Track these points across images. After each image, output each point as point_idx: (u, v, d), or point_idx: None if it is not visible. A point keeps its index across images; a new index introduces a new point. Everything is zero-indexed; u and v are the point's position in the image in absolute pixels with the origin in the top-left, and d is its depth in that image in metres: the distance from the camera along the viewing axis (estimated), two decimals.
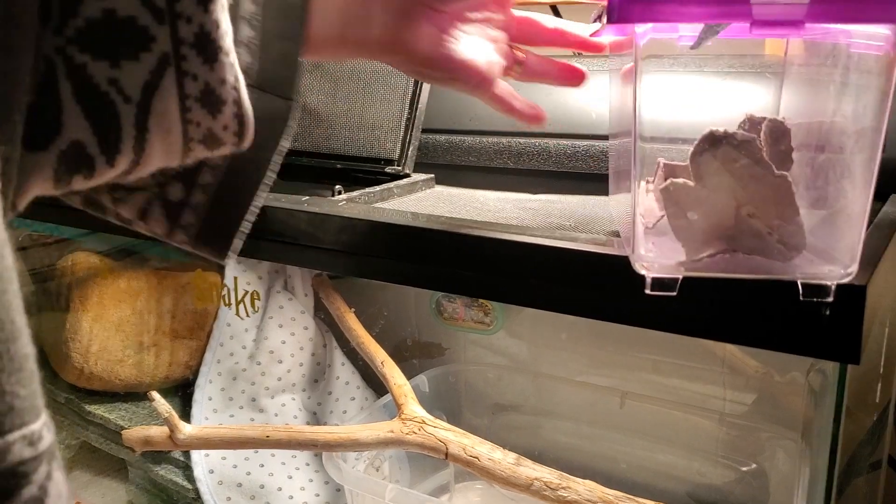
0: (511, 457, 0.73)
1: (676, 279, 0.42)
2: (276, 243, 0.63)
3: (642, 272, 0.42)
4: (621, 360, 0.91)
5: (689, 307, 0.43)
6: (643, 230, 0.44)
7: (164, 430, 0.74)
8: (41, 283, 1.23)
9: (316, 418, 0.95)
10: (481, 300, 0.95)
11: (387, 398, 0.86)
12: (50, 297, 0.96)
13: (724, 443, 0.83)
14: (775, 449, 0.79)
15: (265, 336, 0.95)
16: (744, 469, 0.82)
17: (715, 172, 0.42)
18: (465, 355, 1.02)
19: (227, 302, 0.85)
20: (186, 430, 0.73)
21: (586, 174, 0.71)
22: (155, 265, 0.99)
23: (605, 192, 0.69)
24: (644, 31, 0.40)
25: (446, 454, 0.73)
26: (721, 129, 0.42)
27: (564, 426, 0.92)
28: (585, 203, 0.67)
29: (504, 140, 0.74)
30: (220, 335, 0.94)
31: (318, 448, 0.73)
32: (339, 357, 0.97)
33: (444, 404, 0.92)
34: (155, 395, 0.73)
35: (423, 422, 0.74)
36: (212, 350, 0.94)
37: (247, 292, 0.86)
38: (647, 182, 0.51)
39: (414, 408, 0.76)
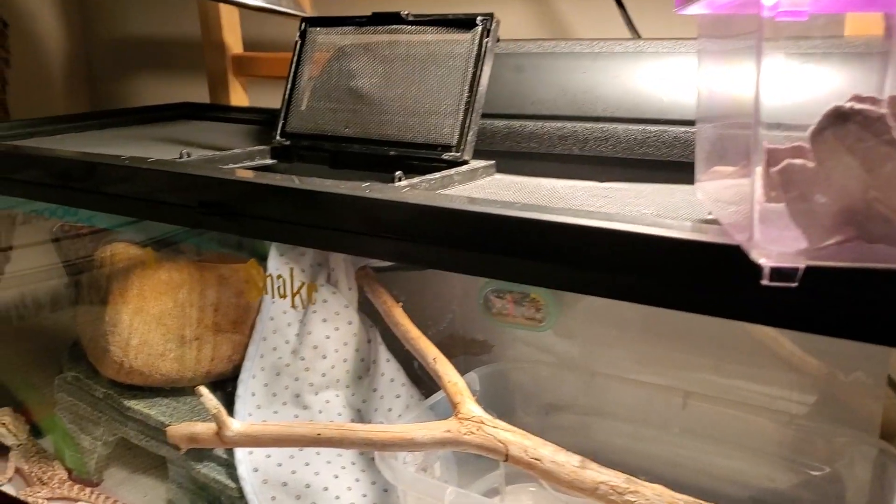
0: (575, 459, 0.69)
1: (797, 269, 0.38)
2: (335, 232, 0.60)
3: (761, 261, 0.38)
4: (678, 359, 0.87)
5: (807, 300, 0.39)
6: (760, 216, 0.40)
7: (211, 426, 0.71)
8: (77, 274, 1.21)
9: (360, 416, 0.92)
10: (533, 295, 0.92)
11: (434, 398, 0.82)
12: (88, 290, 0.93)
13: (794, 446, 0.79)
14: (852, 454, 0.74)
15: (308, 331, 0.91)
16: (816, 474, 0.77)
17: (838, 152, 0.39)
18: (511, 353, 0.98)
19: (282, 293, 0.82)
20: (234, 426, 0.70)
21: (658, 161, 0.67)
22: (196, 257, 0.96)
23: (679, 181, 0.65)
24: (773, 7, 0.37)
25: (507, 456, 0.69)
26: (848, 105, 0.38)
27: (621, 427, 0.88)
28: (661, 191, 0.63)
29: (568, 125, 0.71)
30: (264, 329, 0.91)
31: (371, 447, 0.70)
32: (384, 353, 0.94)
33: (496, 403, 0.88)
34: (203, 389, 0.70)
35: (482, 422, 0.70)
36: (255, 344, 0.91)
37: (303, 283, 0.82)
38: (743, 168, 0.48)
39: (471, 407, 0.73)
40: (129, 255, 0.91)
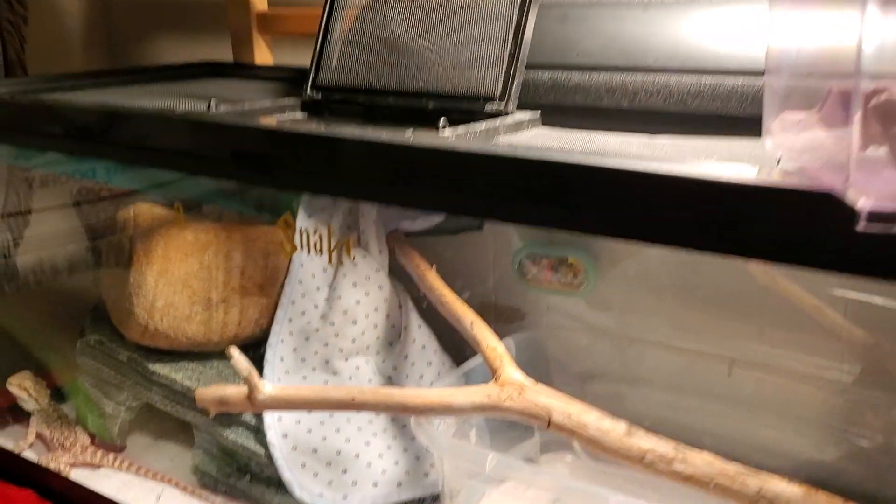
0: (621, 426, 0.66)
1: None
2: (376, 183, 0.57)
3: (858, 203, 0.35)
4: (719, 326, 0.84)
5: None
6: (857, 157, 0.37)
7: (242, 389, 0.69)
8: (98, 237, 1.18)
9: (391, 383, 0.89)
10: (571, 260, 0.88)
11: (469, 365, 0.80)
12: (111, 251, 0.91)
13: (843, 416, 0.76)
14: None
15: (338, 295, 0.89)
16: (866, 445, 0.74)
17: None
18: (545, 321, 0.95)
19: (318, 250, 0.79)
20: (266, 389, 0.68)
21: (713, 115, 0.64)
22: (220, 218, 0.93)
23: (738, 135, 0.62)
24: None
25: (549, 422, 0.67)
26: None
27: (660, 397, 0.85)
28: (720, 145, 0.59)
29: (617, 77, 0.67)
30: (292, 292, 0.88)
31: (407, 412, 0.67)
32: (415, 319, 0.91)
33: (531, 371, 0.85)
34: (234, 350, 0.67)
35: (524, 387, 0.68)
36: (283, 308, 0.88)
37: (341, 240, 0.79)
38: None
39: (512, 372, 0.70)
40: (152, 214, 0.88)
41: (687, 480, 0.61)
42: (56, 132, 0.76)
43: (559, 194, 0.45)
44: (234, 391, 0.69)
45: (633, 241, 0.44)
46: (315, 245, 0.79)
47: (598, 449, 0.67)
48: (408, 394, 0.67)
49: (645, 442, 0.65)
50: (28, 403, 0.94)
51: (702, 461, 0.62)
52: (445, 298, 0.79)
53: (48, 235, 1.20)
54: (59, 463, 0.88)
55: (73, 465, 0.89)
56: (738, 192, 0.40)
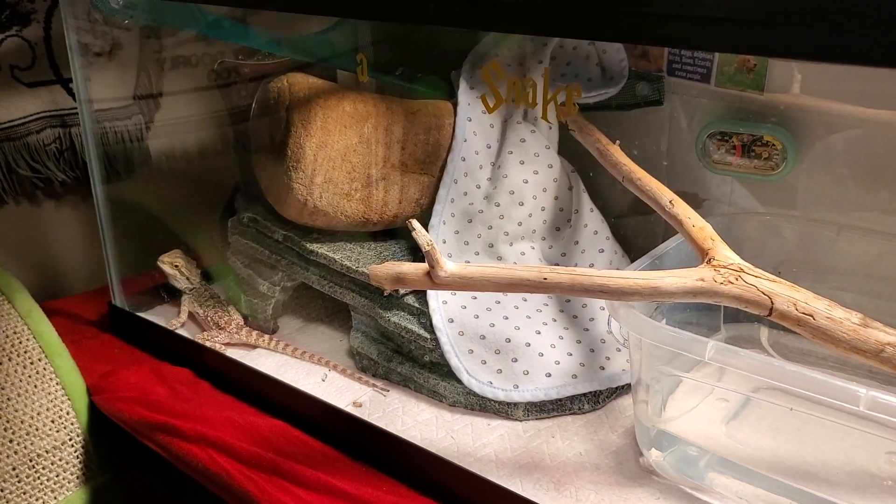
0: (855, 317, 0.58)
1: None
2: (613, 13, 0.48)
3: None
4: None
5: None
6: None
7: (420, 266, 0.63)
8: (239, 116, 1.14)
9: None
10: (767, 137, 0.79)
11: (663, 249, 0.72)
12: (264, 126, 0.86)
13: None
14: None
15: (504, 174, 0.82)
16: None
17: None
18: (729, 207, 0.86)
19: (530, 102, 0.72)
20: (448, 267, 0.62)
21: None
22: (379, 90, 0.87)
23: None
24: None
25: (771, 310, 0.59)
26: None
27: (869, 287, 0.76)
28: None
29: None
30: (455, 170, 0.82)
31: (605, 296, 0.60)
32: (587, 202, 0.84)
33: None
34: (415, 223, 0.61)
35: (742, 269, 0.60)
36: (445, 187, 0.82)
37: (561, 87, 0.71)
38: None
39: (727, 253, 0.62)
40: (308, 84, 0.82)
41: None
42: None
43: None
44: (413, 267, 0.64)
45: None
46: (526, 96, 0.70)
47: (825, 341, 0.59)
48: (609, 275, 0.60)
49: (884, 335, 0.57)
50: (181, 282, 0.91)
51: None
52: (637, 175, 0.71)
53: (181, 119, 1.17)
54: (215, 342, 0.86)
55: (228, 345, 0.87)
56: None
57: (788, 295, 0.58)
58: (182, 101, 1.17)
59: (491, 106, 0.79)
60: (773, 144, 0.79)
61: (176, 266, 0.91)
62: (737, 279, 0.59)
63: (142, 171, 1.12)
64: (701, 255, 0.63)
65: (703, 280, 0.59)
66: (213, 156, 1.19)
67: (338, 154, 0.79)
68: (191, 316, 0.92)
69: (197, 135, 1.19)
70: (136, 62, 1.13)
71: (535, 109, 0.83)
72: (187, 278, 0.91)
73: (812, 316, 0.57)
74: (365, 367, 0.82)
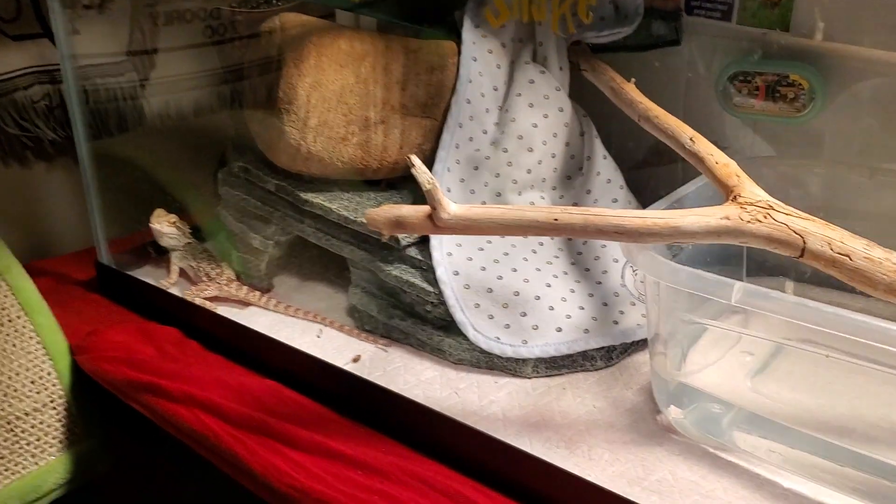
0: None
1: None
2: None
3: None
4: None
5: None
6: None
7: (421, 209, 0.58)
8: (234, 64, 1.09)
9: None
10: (793, 77, 0.73)
11: (683, 191, 0.67)
12: (255, 69, 0.80)
13: None
14: None
15: (512, 118, 0.77)
16: None
17: None
18: (754, 151, 0.81)
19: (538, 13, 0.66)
20: (451, 208, 0.57)
21: None
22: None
23: None
24: None
25: (803, 250, 0.54)
26: None
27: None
28: None
29: None
30: (460, 114, 0.77)
31: (621, 237, 0.55)
32: (599, 149, 0.79)
33: None
34: (415, 160, 0.56)
35: (770, 207, 0.55)
36: (449, 131, 0.77)
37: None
38: None
39: (754, 189, 0.57)
40: (300, 21, 0.77)
41: None
42: None
43: None
44: (413, 210, 0.59)
45: None
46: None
47: (863, 284, 0.54)
48: (625, 215, 0.55)
49: None
50: (174, 239, 0.86)
51: None
52: (654, 112, 0.66)
53: (175, 77, 1.12)
54: (202, 296, 0.82)
55: (217, 299, 0.82)
56: None
57: (822, 234, 0.53)
58: (177, 57, 1.12)
59: (496, 20, 0.73)
60: (800, 84, 0.73)
61: (171, 222, 0.86)
62: (765, 217, 0.54)
63: (136, 129, 1.08)
64: (725, 193, 0.58)
65: (728, 218, 0.54)
66: (209, 114, 1.15)
67: (333, 95, 0.74)
68: (182, 274, 0.88)
69: (192, 93, 1.14)
70: (128, 16, 1.08)
71: (545, 47, 0.78)
72: (182, 233, 0.86)
73: (849, 256, 0.52)
74: (366, 324, 0.77)
